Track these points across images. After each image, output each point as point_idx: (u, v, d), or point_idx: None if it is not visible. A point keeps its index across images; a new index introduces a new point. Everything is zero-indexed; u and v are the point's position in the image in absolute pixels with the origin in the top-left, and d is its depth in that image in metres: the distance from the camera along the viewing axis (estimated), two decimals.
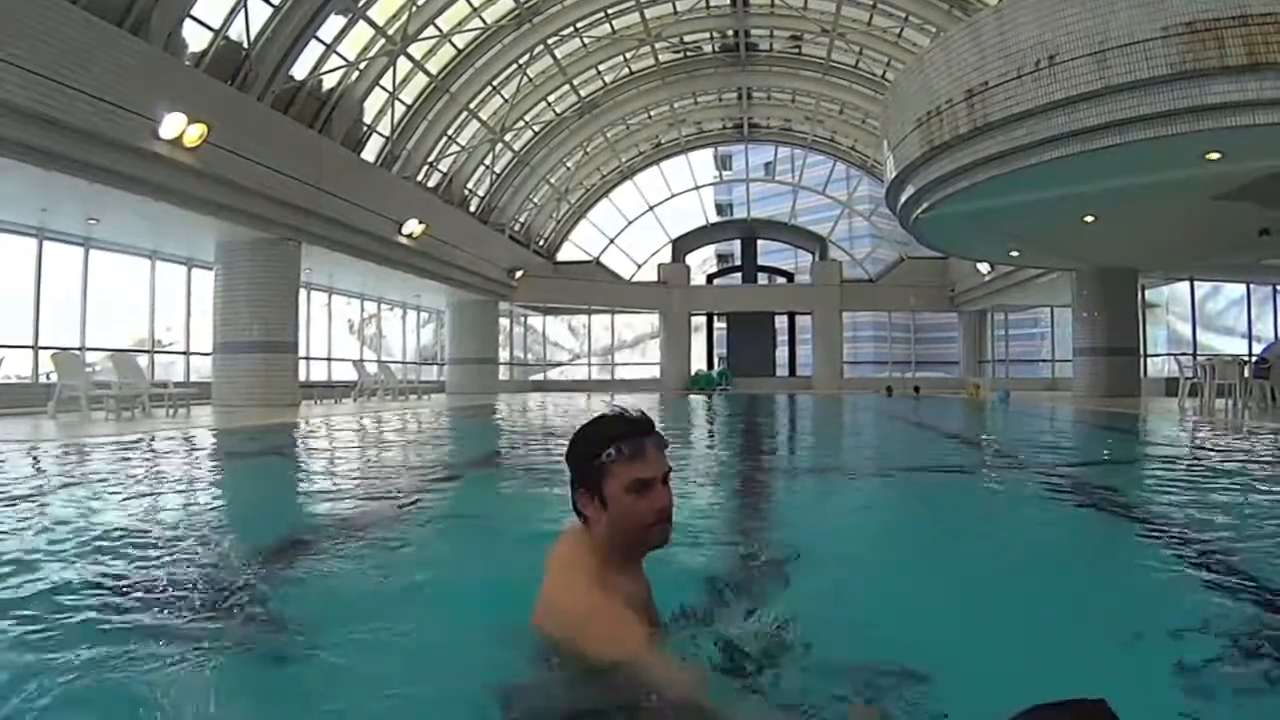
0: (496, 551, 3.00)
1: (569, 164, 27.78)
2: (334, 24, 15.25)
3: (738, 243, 32.73)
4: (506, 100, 21.80)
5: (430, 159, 21.03)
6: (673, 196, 30.83)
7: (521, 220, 28.14)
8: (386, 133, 18.75)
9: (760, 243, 32.35)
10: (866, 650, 1.89)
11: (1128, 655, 1.95)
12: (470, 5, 18.10)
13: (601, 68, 23.28)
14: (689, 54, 23.96)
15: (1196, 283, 21.47)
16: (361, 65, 16.75)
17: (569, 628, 1.64)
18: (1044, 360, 29.04)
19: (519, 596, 1.82)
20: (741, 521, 4.00)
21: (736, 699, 1.58)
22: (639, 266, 31.33)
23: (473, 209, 24.38)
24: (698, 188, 31.18)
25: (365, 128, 18.21)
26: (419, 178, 20.76)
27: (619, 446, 1.72)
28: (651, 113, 26.85)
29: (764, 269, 32.62)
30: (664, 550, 1.81)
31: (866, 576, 2.85)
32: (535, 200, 28.22)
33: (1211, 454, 7.10)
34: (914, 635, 2.10)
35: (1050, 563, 3.12)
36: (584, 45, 21.80)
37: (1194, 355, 19.21)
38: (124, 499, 4.31)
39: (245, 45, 13.69)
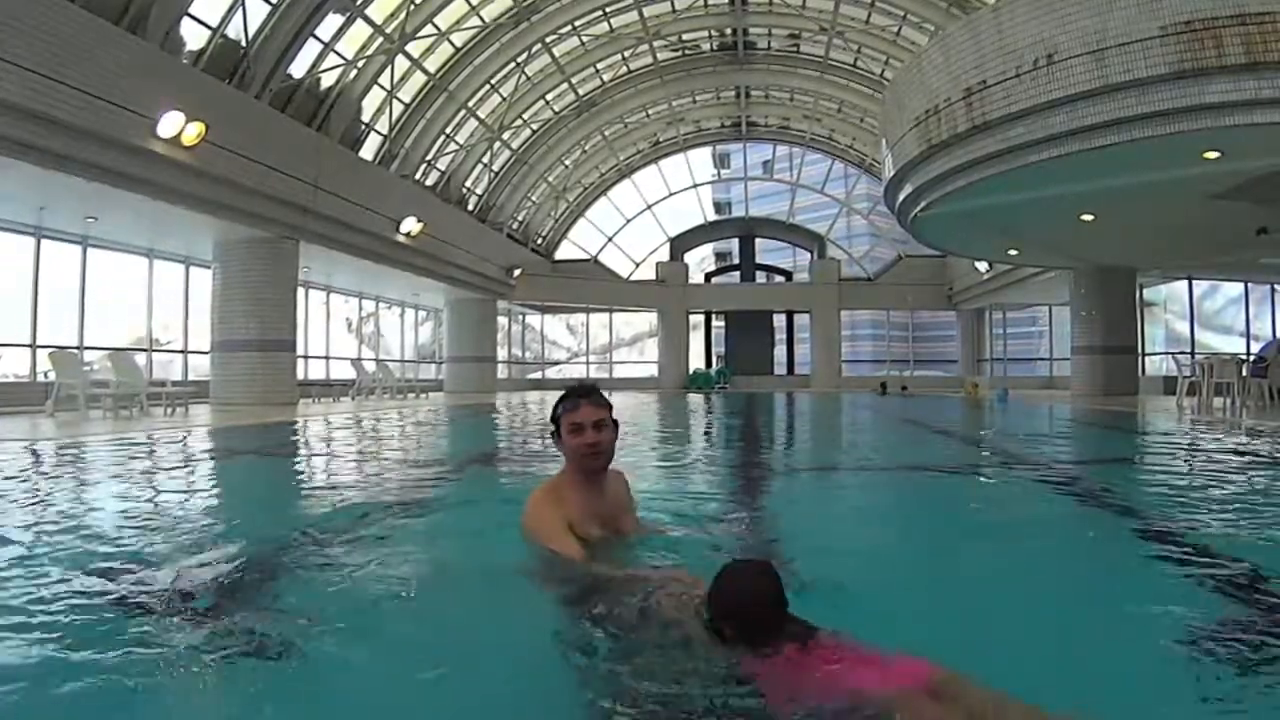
0: (495, 544, 3.00)
1: (567, 162, 27.77)
2: (332, 22, 15.22)
3: (736, 241, 32.74)
4: (505, 99, 21.79)
5: (428, 157, 21.00)
6: (671, 195, 30.85)
7: (520, 219, 28.13)
8: (384, 131, 18.73)
9: (758, 241, 32.36)
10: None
11: (1124, 650, 1.96)
12: (468, 4, 18.08)
13: (600, 66, 23.27)
14: (687, 52, 23.95)
15: (1194, 281, 21.51)
16: (359, 64, 16.74)
17: (527, 531, 2.61)
18: (1042, 359, 29.08)
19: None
20: (730, 513, 4.01)
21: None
22: (637, 265, 31.34)
23: (471, 207, 24.37)
24: (696, 186, 31.21)
25: (363, 126, 18.20)
26: (417, 176, 20.74)
27: (564, 404, 2.69)
28: (650, 111, 26.84)
29: (762, 267, 32.64)
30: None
31: (848, 571, 2.85)
32: (533, 199, 28.20)
33: (1210, 451, 7.11)
34: (908, 628, 2.10)
35: (1045, 558, 3.12)
36: (582, 44, 21.79)
37: (1192, 354, 19.24)
38: (121, 498, 4.31)
39: (243, 43, 13.67)
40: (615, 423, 2.71)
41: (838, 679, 1.47)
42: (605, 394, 2.77)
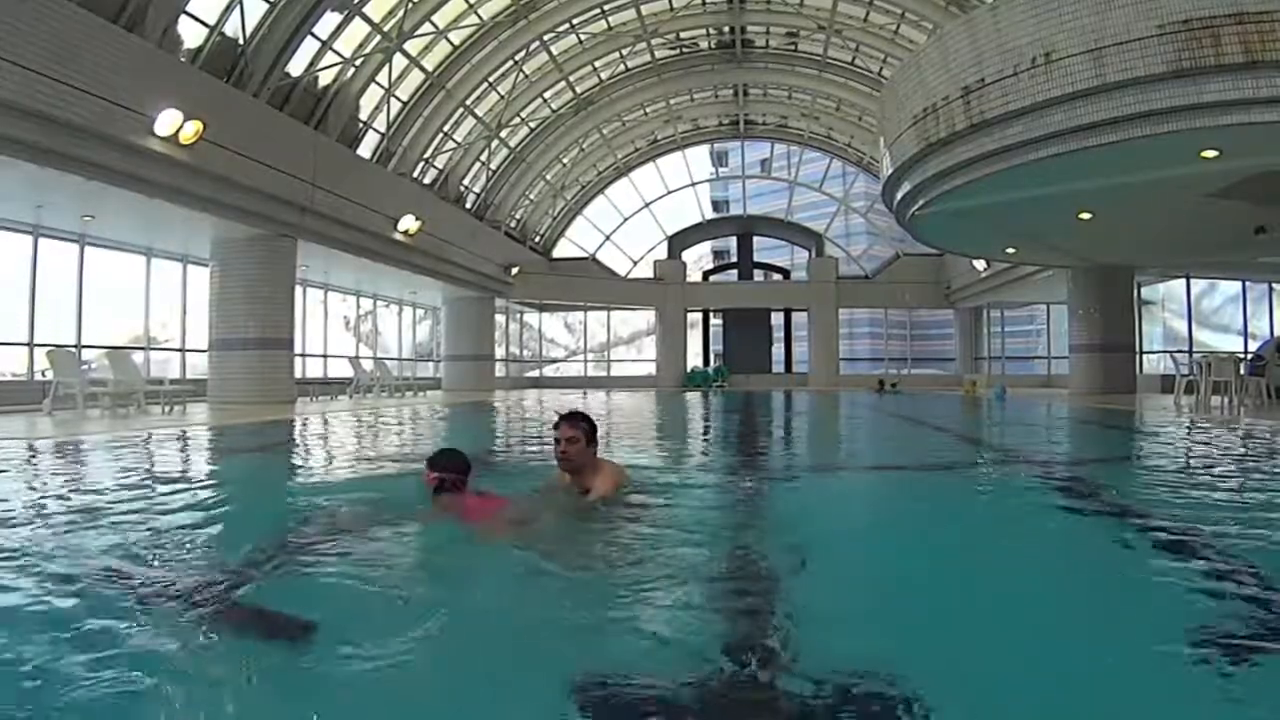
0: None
1: (565, 161, 27.75)
2: (330, 20, 15.19)
3: (734, 239, 32.72)
4: (503, 97, 21.76)
5: (426, 155, 20.98)
6: (669, 193, 30.82)
7: (517, 217, 28.11)
8: (382, 129, 18.71)
9: (756, 239, 32.34)
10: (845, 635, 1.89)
11: (1121, 647, 1.96)
12: (466, 2, 18.06)
13: (598, 64, 23.24)
14: (685, 50, 23.92)
15: (1192, 280, 21.52)
16: (357, 62, 16.71)
17: None
18: (1040, 357, 29.13)
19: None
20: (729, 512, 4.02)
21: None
22: (635, 263, 31.33)
23: (469, 206, 24.35)
24: (694, 184, 31.17)
25: (361, 124, 18.17)
26: (415, 174, 20.72)
27: (555, 424, 3.76)
28: (648, 109, 26.82)
29: (760, 265, 32.61)
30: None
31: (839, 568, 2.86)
32: (531, 197, 28.19)
33: (1210, 450, 7.13)
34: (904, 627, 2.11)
35: (1041, 555, 3.13)
36: (580, 42, 21.77)
37: (1190, 352, 19.26)
38: (120, 497, 4.30)
39: (241, 42, 13.65)
40: (592, 437, 3.80)
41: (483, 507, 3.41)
42: (588, 416, 3.83)
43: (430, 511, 3.43)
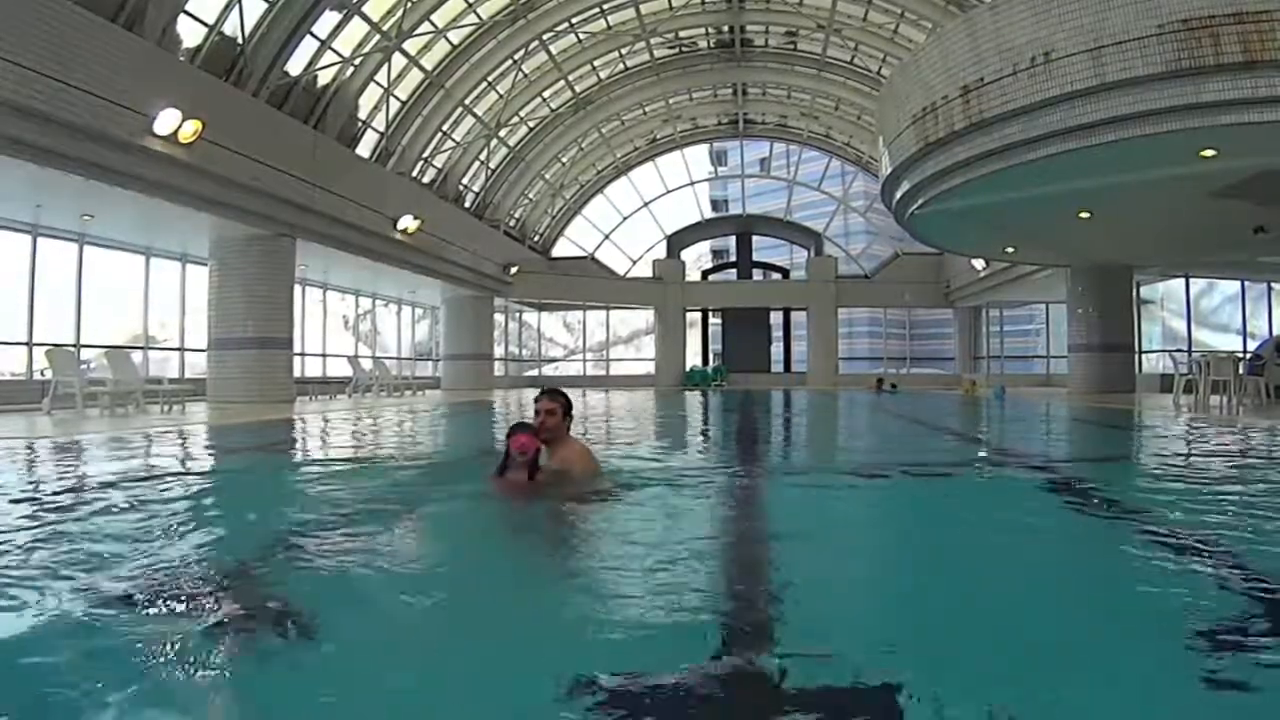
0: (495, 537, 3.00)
1: (564, 160, 27.75)
2: (329, 20, 15.19)
3: (733, 239, 32.74)
4: (502, 96, 21.76)
5: (425, 155, 20.98)
6: (668, 192, 30.83)
7: (516, 216, 28.11)
8: (381, 128, 18.70)
9: (755, 238, 32.34)
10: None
11: (1119, 646, 1.97)
12: (465, 1, 18.06)
13: (597, 63, 23.25)
14: (684, 50, 23.94)
15: (1191, 279, 21.54)
16: (356, 61, 16.70)
17: None
18: (1039, 356, 29.16)
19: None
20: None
21: None
22: (634, 262, 31.34)
23: (468, 205, 24.34)
24: (693, 183, 31.17)
25: (360, 123, 18.17)
26: (414, 173, 20.72)
27: (536, 397, 4.16)
28: (647, 108, 26.82)
29: (759, 265, 32.60)
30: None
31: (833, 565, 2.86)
32: (530, 196, 28.18)
33: (1210, 449, 7.13)
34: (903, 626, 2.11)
35: (1039, 554, 3.13)
36: (579, 41, 21.77)
37: (1189, 351, 19.28)
38: (119, 496, 4.30)
39: (240, 41, 13.65)
40: (569, 413, 4.25)
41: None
42: (566, 394, 4.27)
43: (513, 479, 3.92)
